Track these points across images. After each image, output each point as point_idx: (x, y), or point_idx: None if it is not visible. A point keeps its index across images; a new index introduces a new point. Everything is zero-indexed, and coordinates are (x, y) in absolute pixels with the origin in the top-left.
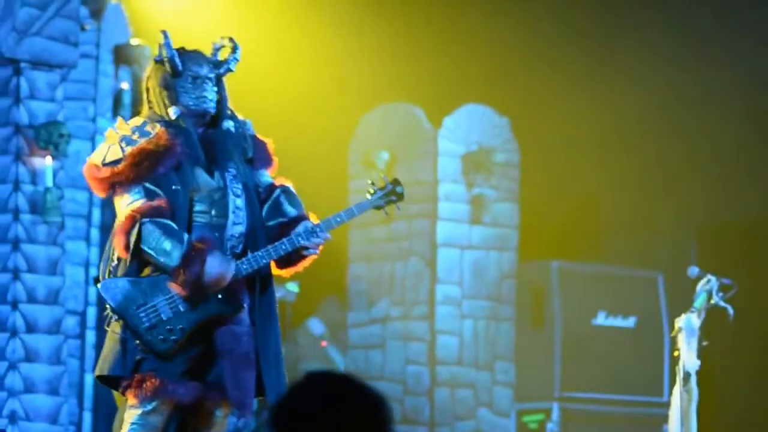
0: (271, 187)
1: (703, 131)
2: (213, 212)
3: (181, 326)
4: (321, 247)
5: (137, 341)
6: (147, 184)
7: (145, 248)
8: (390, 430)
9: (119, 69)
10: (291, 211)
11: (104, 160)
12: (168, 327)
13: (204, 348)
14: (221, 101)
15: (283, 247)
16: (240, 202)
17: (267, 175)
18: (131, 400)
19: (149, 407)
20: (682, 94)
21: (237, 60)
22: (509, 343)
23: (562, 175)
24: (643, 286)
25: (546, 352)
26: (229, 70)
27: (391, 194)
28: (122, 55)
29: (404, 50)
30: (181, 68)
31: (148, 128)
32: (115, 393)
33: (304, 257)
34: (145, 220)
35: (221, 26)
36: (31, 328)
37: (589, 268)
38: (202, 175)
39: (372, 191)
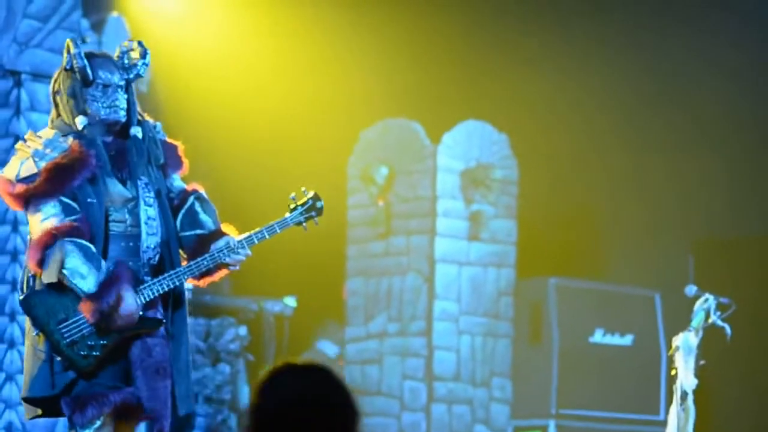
0: (184, 193)
1: (703, 144)
2: (128, 221)
3: (102, 342)
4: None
5: (58, 357)
6: (63, 198)
7: (63, 270)
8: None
9: None
10: (207, 221)
11: (18, 175)
12: (89, 343)
13: (121, 354)
14: (130, 107)
15: (205, 263)
16: (152, 212)
17: (179, 180)
18: (78, 421)
19: (98, 423)
20: (683, 108)
21: (147, 65)
22: (506, 359)
23: (560, 192)
24: (641, 304)
25: (543, 369)
26: (139, 75)
27: (311, 209)
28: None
29: (404, 66)
30: (92, 77)
31: (60, 141)
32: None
33: (220, 269)
34: (65, 239)
35: (222, 39)
36: None
37: (586, 285)
38: (115, 186)
39: (293, 206)
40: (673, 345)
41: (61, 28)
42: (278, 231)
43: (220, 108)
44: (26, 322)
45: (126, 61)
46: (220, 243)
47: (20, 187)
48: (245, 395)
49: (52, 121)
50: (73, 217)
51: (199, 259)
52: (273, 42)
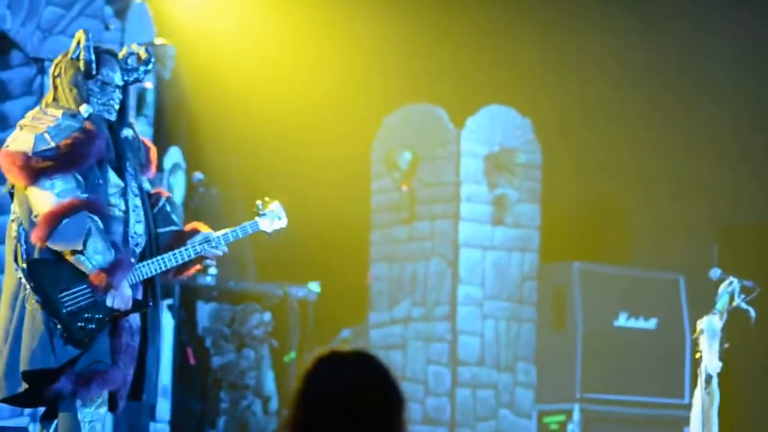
0: (156, 195)
1: (727, 130)
2: (120, 207)
3: (98, 316)
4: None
5: (58, 326)
6: (76, 175)
7: (82, 241)
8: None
9: None
10: (177, 219)
11: (34, 148)
12: (87, 315)
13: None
14: (124, 109)
15: (188, 253)
16: (138, 201)
17: (147, 182)
18: (81, 398)
19: (99, 400)
20: (708, 92)
21: (147, 72)
22: (530, 344)
23: (584, 176)
24: (665, 287)
25: (567, 353)
26: (138, 80)
27: (276, 222)
28: None
29: (427, 51)
30: (95, 72)
31: (71, 120)
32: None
33: (194, 265)
34: (86, 213)
35: (244, 25)
36: None
37: (610, 269)
38: (110, 172)
39: (259, 213)
40: (698, 328)
41: (84, 14)
42: (250, 232)
43: (242, 94)
44: (7, 287)
45: (129, 63)
46: (199, 237)
47: (36, 160)
48: (270, 381)
49: (47, 104)
50: (87, 193)
51: (182, 248)
52: (296, 28)
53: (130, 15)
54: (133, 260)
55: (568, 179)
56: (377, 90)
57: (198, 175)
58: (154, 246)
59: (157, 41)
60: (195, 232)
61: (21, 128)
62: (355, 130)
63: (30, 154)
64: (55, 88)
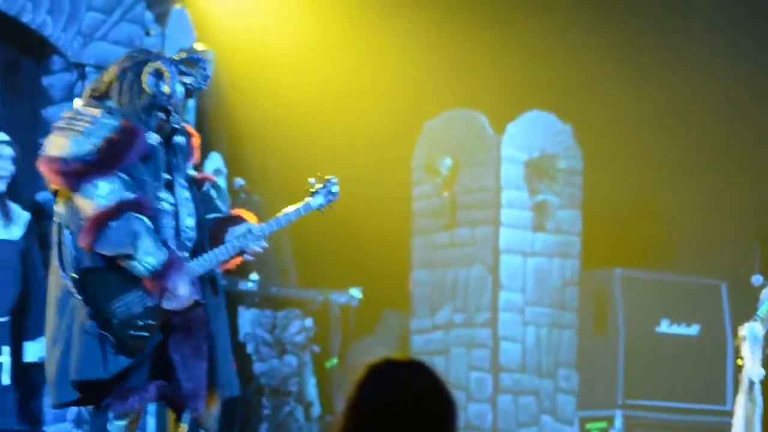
0: (200, 181)
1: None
2: (169, 200)
3: (150, 322)
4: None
5: (109, 336)
6: (120, 175)
7: (132, 243)
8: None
9: None
10: (222, 207)
11: (72, 153)
12: (139, 323)
13: (159, 348)
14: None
15: (235, 246)
16: (187, 193)
17: (192, 169)
18: (114, 411)
19: (132, 416)
20: (750, 97)
21: (207, 78)
22: (572, 350)
23: (625, 182)
24: (707, 293)
25: (609, 359)
26: (200, 89)
27: (329, 194)
28: None
29: (468, 57)
30: (165, 102)
31: (109, 119)
32: None
33: (238, 256)
34: (132, 214)
35: (285, 30)
36: None
37: (652, 275)
38: (157, 165)
39: (312, 191)
40: (740, 335)
41: (125, 20)
42: (303, 214)
43: (282, 99)
44: (53, 294)
45: (184, 68)
46: (242, 228)
47: (75, 165)
48: (312, 387)
49: (92, 97)
50: (135, 194)
51: (228, 244)
52: (336, 33)
53: (170, 20)
54: (185, 254)
55: (609, 185)
56: (418, 96)
57: (239, 180)
58: (206, 238)
59: (197, 46)
60: (238, 219)
61: (57, 131)
62: (396, 135)
63: (68, 159)
64: (118, 90)
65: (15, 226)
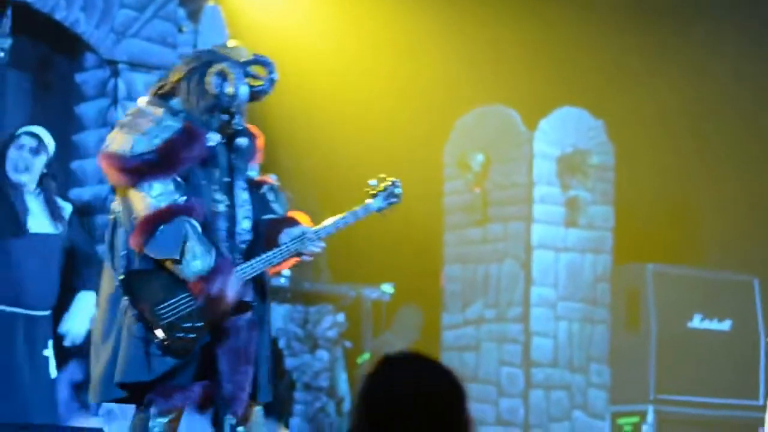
0: (258, 183)
1: None
2: (225, 202)
3: (198, 324)
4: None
5: (155, 339)
6: (176, 177)
7: (179, 246)
8: (465, 404)
9: None
10: (279, 209)
11: (132, 150)
12: (185, 325)
13: (206, 347)
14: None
15: (290, 248)
16: (245, 195)
17: (254, 169)
18: (157, 408)
19: (174, 414)
20: None
21: (273, 81)
22: (604, 345)
23: (657, 178)
24: (739, 289)
25: (641, 354)
26: (266, 92)
27: (391, 196)
28: None
29: (500, 53)
30: (230, 106)
31: (171, 121)
32: None
33: (292, 258)
34: (183, 217)
35: (318, 27)
36: None
37: (684, 271)
38: (216, 168)
39: (373, 193)
40: None
41: (158, 17)
42: (361, 216)
43: (315, 96)
44: (104, 295)
45: (250, 71)
46: (296, 231)
47: (134, 162)
48: (343, 382)
49: (157, 96)
50: (188, 198)
51: (282, 247)
52: (370, 30)
53: (203, 17)
54: (238, 256)
55: (641, 181)
56: (450, 92)
57: (272, 177)
58: (261, 236)
59: (230, 43)
60: (292, 221)
61: (120, 127)
62: (428, 131)
63: (128, 156)
64: (176, 90)
65: (58, 220)
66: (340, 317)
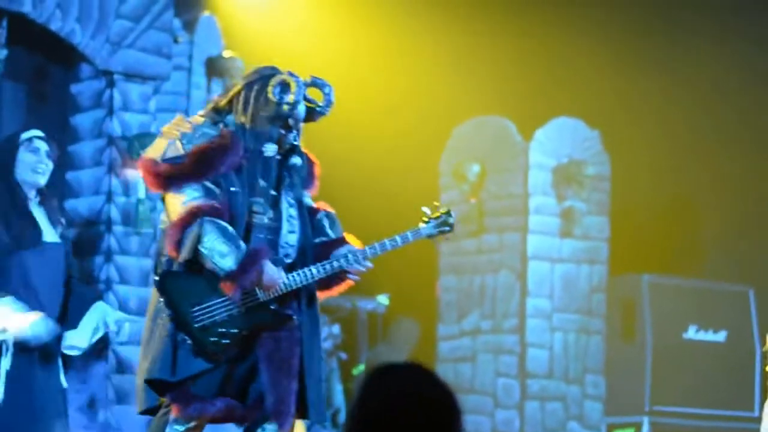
0: (315, 209)
1: None
2: (269, 214)
3: (234, 330)
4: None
5: (188, 340)
6: (206, 183)
7: (201, 248)
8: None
9: (212, 81)
10: (332, 234)
11: (164, 155)
12: (221, 330)
13: (243, 365)
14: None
15: (330, 266)
16: (293, 211)
17: (309, 197)
18: (176, 414)
19: (193, 424)
20: None
21: (330, 104)
22: (599, 356)
23: (652, 189)
24: (734, 300)
25: (636, 365)
26: (323, 114)
27: (443, 225)
28: (215, 68)
29: (496, 63)
30: (290, 119)
31: (209, 128)
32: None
33: (342, 281)
34: (205, 218)
35: (315, 36)
36: (121, 343)
37: (679, 281)
38: (260, 181)
39: (426, 219)
40: (767, 341)
41: (153, 27)
42: (411, 240)
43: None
44: (151, 300)
45: (325, 109)
46: (342, 250)
47: (164, 167)
48: (339, 393)
49: (213, 111)
50: (214, 200)
51: (326, 262)
52: (366, 39)
53: (199, 28)
54: (282, 271)
55: (637, 191)
56: (446, 101)
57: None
58: (311, 258)
59: (226, 54)
60: (342, 242)
61: (161, 135)
62: (425, 140)
63: (159, 161)
64: (233, 102)
65: (61, 229)
66: (336, 328)
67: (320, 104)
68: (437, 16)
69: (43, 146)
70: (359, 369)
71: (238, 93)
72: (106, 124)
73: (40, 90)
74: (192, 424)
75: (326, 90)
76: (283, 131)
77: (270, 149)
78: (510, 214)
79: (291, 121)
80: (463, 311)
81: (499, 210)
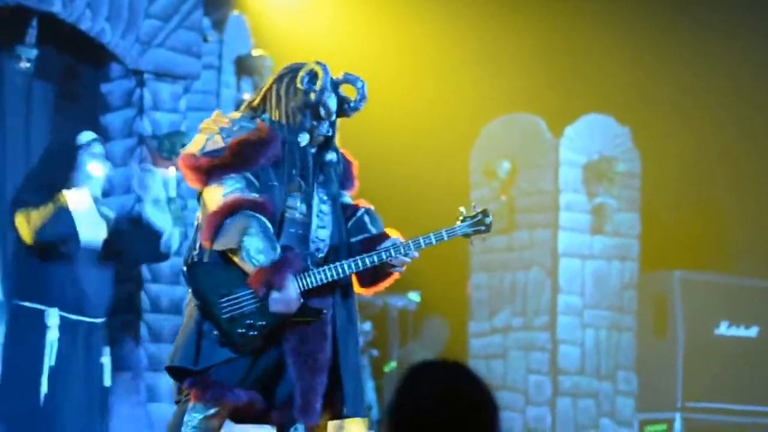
0: (354, 207)
1: None
2: (300, 209)
3: (262, 322)
4: (405, 267)
5: (215, 331)
6: (247, 174)
7: (241, 239)
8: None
9: (241, 80)
10: (374, 230)
11: (203, 149)
12: (249, 321)
13: (268, 358)
14: (332, 136)
15: (371, 260)
16: (325, 207)
17: (348, 197)
18: (194, 400)
19: (211, 411)
20: None
21: (364, 98)
22: (631, 352)
23: (683, 184)
24: (766, 295)
25: (668, 361)
26: (357, 109)
27: (479, 224)
28: (244, 66)
29: (525, 60)
30: (322, 113)
31: (248, 122)
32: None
33: (388, 276)
34: (249, 212)
35: (344, 35)
36: (155, 338)
37: (711, 277)
38: (295, 176)
39: (462, 218)
40: None
41: (182, 27)
42: (446, 239)
43: None
44: (186, 309)
45: (360, 104)
46: (386, 243)
47: (204, 160)
48: (370, 390)
49: (247, 108)
50: (256, 193)
51: (364, 255)
52: (395, 38)
53: (228, 27)
54: (307, 262)
55: (667, 187)
56: (476, 99)
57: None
58: (343, 257)
59: (255, 53)
60: (386, 238)
61: (200, 131)
62: (454, 138)
63: (198, 155)
64: (275, 99)
65: (106, 227)
66: (367, 326)
67: (353, 100)
68: (466, 14)
69: (101, 149)
70: (390, 366)
71: (270, 89)
72: (137, 123)
73: (70, 90)
74: (210, 411)
75: (359, 85)
76: (315, 122)
77: (303, 138)
78: (541, 211)
79: (322, 111)
80: (494, 308)
81: (529, 207)
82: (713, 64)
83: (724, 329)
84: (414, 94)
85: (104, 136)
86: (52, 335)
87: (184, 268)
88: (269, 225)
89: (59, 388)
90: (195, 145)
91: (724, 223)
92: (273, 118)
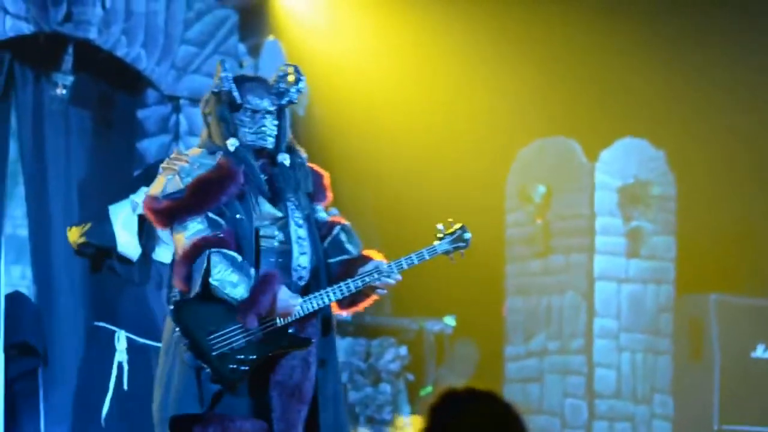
0: (330, 224)
1: None
2: (278, 237)
3: (252, 356)
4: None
5: (206, 369)
6: (209, 214)
7: (212, 280)
8: None
9: None
10: (353, 249)
11: (163, 191)
12: (239, 357)
13: (259, 385)
14: (280, 135)
15: (356, 284)
16: (303, 232)
17: (322, 211)
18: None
19: None
20: None
21: (300, 91)
22: (667, 376)
23: (719, 207)
24: None
25: (704, 385)
26: (291, 101)
27: (458, 240)
28: None
29: (560, 84)
30: (240, 101)
31: (207, 159)
32: None
33: (368, 297)
34: (212, 250)
35: (380, 60)
36: None
37: (747, 301)
38: (264, 204)
39: (440, 236)
40: None
41: (218, 53)
42: (426, 258)
43: (378, 129)
44: (166, 333)
45: (281, 86)
46: (369, 266)
47: (165, 203)
48: (406, 415)
49: (203, 141)
50: (218, 231)
51: (349, 280)
52: (430, 62)
53: (264, 52)
54: (295, 293)
55: (703, 210)
56: (511, 124)
57: (333, 210)
58: (324, 278)
59: (289, 79)
60: (367, 259)
61: (160, 171)
62: (490, 162)
63: (160, 198)
64: (207, 125)
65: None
66: (403, 350)
67: (281, 85)
68: (502, 37)
69: None
70: (426, 390)
71: (204, 119)
72: (173, 149)
73: (106, 116)
74: None
75: (292, 74)
76: (244, 119)
77: (283, 157)
78: (576, 235)
79: (237, 98)
80: (529, 332)
81: (565, 231)
82: (749, 86)
83: (760, 352)
84: (450, 117)
85: (141, 161)
86: (120, 357)
87: (170, 307)
88: (236, 255)
89: (119, 410)
90: (156, 187)
91: (760, 246)
92: (219, 145)
